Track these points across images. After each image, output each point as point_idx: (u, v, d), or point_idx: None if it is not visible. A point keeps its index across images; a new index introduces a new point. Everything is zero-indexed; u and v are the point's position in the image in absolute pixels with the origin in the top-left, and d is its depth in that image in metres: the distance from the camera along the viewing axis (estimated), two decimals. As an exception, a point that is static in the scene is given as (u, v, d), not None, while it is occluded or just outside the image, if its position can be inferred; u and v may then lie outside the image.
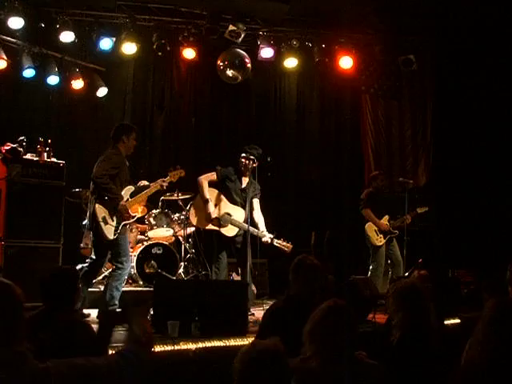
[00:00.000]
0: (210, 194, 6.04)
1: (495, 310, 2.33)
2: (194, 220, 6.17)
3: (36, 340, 2.74)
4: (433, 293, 4.10)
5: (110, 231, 5.53)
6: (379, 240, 7.34)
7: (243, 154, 6.08)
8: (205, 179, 6.04)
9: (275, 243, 5.95)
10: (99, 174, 5.49)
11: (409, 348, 2.95)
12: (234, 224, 5.94)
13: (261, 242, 6.09)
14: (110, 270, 6.74)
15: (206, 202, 5.92)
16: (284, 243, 5.97)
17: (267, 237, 5.96)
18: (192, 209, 6.20)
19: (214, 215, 5.90)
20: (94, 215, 5.47)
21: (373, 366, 2.65)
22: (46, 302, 3.14)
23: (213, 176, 6.08)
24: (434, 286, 4.32)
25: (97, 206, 5.49)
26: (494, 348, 2.21)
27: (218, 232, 5.98)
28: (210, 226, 6.00)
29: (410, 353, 2.94)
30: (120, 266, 5.59)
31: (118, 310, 5.53)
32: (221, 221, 5.93)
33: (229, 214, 6.00)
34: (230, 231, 6.01)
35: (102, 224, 5.49)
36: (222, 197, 6.07)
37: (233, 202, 6.08)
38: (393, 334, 3.07)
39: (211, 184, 6.07)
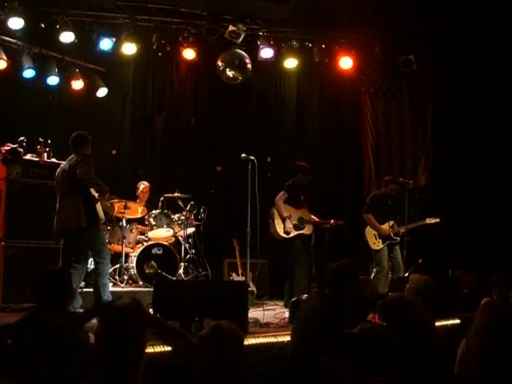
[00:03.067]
0: (286, 208, 6.99)
1: (487, 320, 2.27)
2: (281, 231, 6.96)
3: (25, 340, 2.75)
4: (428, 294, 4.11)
5: (101, 211, 5.91)
6: (377, 244, 7.31)
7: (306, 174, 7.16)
8: (280, 200, 7.01)
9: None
10: (85, 173, 5.68)
11: (411, 358, 2.95)
12: (307, 223, 7.05)
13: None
14: (111, 269, 6.77)
15: (284, 220, 6.93)
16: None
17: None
18: (276, 224, 7.00)
19: (292, 234, 6.94)
20: (94, 196, 5.78)
21: None
22: (37, 302, 3.13)
23: (284, 195, 7.03)
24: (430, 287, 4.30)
25: (91, 189, 5.77)
26: (488, 358, 2.15)
27: (300, 236, 6.95)
28: (294, 233, 6.94)
29: (412, 362, 2.93)
30: (104, 261, 5.81)
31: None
32: (299, 225, 6.99)
33: (301, 218, 7.04)
34: (308, 230, 7.07)
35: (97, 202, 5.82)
36: (291, 207, 7.05)
37: (298, 207, 7.10)
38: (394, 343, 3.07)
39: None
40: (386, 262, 7.28)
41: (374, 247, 7.33)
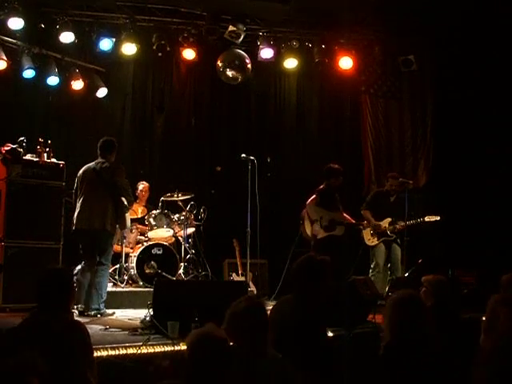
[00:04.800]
0: (316, 211, 7.01)
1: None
2: (309, 232, 7.05)
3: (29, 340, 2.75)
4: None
5: (129, 220, 6.57)
6: (371, 241, 7.32)
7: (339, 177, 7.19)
8: (311, 203, 7.07)
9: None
10: (124, 183, 6.07)
11: (397, 353, 2.91)
12: (339, 224, 7.03)
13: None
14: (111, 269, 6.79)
15: (312, 223, 7.01)
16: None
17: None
18: (304, 225, 7.11)
19: (319, 236, 6.97)
20: (126, 205, 6.11)
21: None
22: (40, 301, 3.14)
23: (315, 199, 7.08)
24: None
25: (123, 198, 6.07)
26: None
27: (330, 238, 6.93)
28: (323, 234, 6.97)
29: (399, 358, 2.89)
30: (108, 263, 6.09)
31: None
32: (329, 227, 6.98)
33: (333, 220, 7.01)
34: (339, 231, 7.03)
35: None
36: (323, 209, 7.04)
37: (331, 209, 7.10)
38: (383, 339, 3.05)
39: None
40: (382, 259, 7.26)
41: (369, 243, 7.34)
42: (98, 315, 5.80)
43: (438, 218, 7.21)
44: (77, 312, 5.81)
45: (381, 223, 7.29)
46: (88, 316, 5.76)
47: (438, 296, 3.94)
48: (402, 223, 7.14)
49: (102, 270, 5.95)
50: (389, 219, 7.29)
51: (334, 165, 7.20)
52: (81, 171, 6.16)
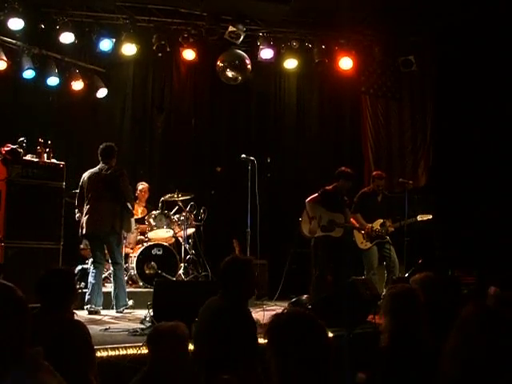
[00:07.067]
0: (315, 209, 6.97)
1: (470, 318, 2.14)
2: (305, 230, 7.03)
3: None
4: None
5: (133, 225, 6.94)
6: (364, 244, 7.20)
7: (347, 180, 7.05)
8: (311, 201, 7.03)
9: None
10: (128, 189, 6.32)
11: (398, 353, 2.91)
12: (338, 226, 6.95)
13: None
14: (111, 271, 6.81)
15: (312, 219, 6.95)
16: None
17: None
18: (302, 222, 7.09)
19: (316, 234, 6.93)
20: (131, 210, 6.34)
21: None
22: (41, 301, 3.14)
23: (316, 197, 7.03)
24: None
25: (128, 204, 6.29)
26: (468, 359, 2.03)
27: (326, 238, 6.87)
28: (320, 233, 6.92)
29: (399, 358, 2.89)
30: (122, 262, 6.35)
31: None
32: (327, 227, 6.92)
33: (332, 220, 6.92)
34: (337, 233, 6.96)
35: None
36: (324, 209, 6.97)
37: (333, 210, 7.01)
38: (381, 339, 3.05)
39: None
40: (376, 261, 7.20)
41: (362, 247, 7.22)
42: (125, 309, 6.16)
43: (430, 217, 7.18)
44: (87, 312, 5.94)
45: (373, 225, 7.22)
46: (118, 313, 6.09)
47: (429, 293, 3.90)
48: (393, 224, 7.14)
49: (119, 269, 6.24)
50: (380, 220, 7.21)
51: (347, 168, 7.09)
52: (85, 177, 6.29)
